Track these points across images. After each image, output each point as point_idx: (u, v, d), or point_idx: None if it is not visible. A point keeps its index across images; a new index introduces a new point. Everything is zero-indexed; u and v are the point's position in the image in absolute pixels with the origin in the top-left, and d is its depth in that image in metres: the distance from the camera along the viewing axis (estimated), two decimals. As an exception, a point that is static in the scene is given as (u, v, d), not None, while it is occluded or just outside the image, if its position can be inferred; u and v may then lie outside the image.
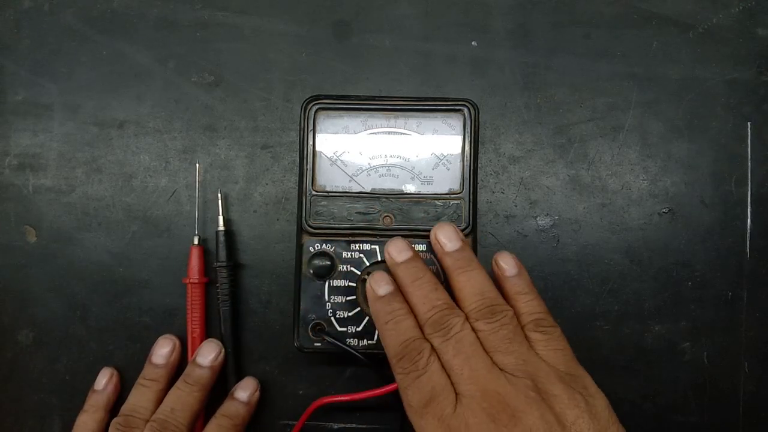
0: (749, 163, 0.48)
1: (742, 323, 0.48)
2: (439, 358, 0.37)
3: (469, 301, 0.39)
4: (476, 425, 0.35)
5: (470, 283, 0.40)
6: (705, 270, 0.48)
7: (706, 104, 0.49)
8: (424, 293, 0.39)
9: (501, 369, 0.37)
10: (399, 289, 0.41)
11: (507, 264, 0.41)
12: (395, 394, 0.43)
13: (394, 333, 0.38)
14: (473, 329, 0.38)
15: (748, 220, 0.48)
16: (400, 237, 0.42)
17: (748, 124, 0.49)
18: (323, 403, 0.44)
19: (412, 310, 0.40)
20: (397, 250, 0.41)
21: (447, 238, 0.41)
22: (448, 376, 0.37)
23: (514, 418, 0.35)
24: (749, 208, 0.48)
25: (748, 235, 0.48)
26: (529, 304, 0.40)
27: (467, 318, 0.38)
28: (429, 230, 0.43)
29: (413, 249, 0.42)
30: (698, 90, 0.49)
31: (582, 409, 0.35)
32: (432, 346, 0.38)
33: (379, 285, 0.40)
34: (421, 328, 0.39)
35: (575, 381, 0.37)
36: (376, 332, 0.43)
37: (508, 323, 0.38)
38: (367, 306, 0.44)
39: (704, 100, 0.49)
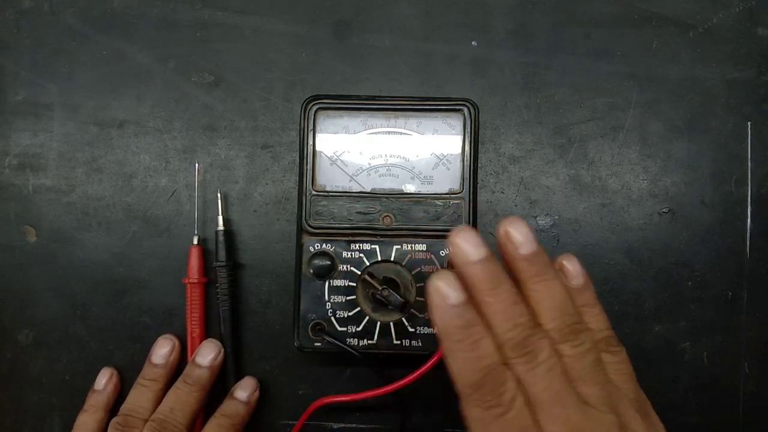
0: (749, 163, 0.48)
1: (742, 323, 0.48)
2: (522, 393, 0.31)
3: (549, 317, 0.33)
4: None
5: (550, 295, 0.33)
6: (705, 270, 0.48)
7: (706, 104, 0.49)
8: (505, 306, 0.32)
9: (586, 402, 0.32)
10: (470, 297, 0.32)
11: (575, 270, 0.35)
12: (395, 394, 0.43)
13: (472, 356, 0.31)
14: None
15: (748, 220, 0.48)
16: (469, 227, 0.33)
17: (748, 124, 0.49)
18: (323, 403, 0.44)
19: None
20: (472, 245, 0.32)
21: (523, 236, 0.33)
22: (532, 411, 0.31)
23: None
24: (749, 208, 0.48)
25: (748, 235, 0.48)
26: (597, 319, 0.35)
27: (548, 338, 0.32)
28: (429, 230, 0.44)
29: (486, 245, 0.33)
30: (698, 90, 0.49)
31: None
32: (514, 375, 0.31)
33: (450, 288, 0.31)
34: (498, 346, 0.32)
35: (642, 408, 0.34)
36: (376, 332, 0.43)
37: (591, 348, 0.33)
38: (367, 306, 0.44)
39: (704, 100, 0.49)
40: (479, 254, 0.32)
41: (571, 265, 0.35)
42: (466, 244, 0.32)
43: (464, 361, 0.31)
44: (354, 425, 0.48)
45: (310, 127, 0.45)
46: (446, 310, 0.31)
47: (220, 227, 0.47)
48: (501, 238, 0.34)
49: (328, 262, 0.44)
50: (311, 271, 0.44)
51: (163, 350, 0.46)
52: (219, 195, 0.48)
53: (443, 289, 0.31)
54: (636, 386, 0.34)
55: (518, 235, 0.33)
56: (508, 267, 0.34)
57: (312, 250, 0.44)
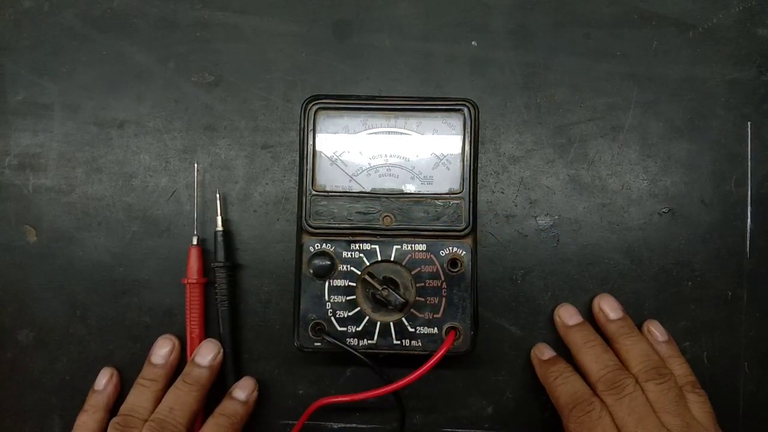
0: (749, 163, 0.48)
1: (742, 323, 0.48)
2: (609, 414, 0.40)
3: (636, 361, 0.43)
4: None
5: (636, 346, 0.43)
6: (705, 270, 0.48)
7: (706, 104, 0.49)
8: (597, 353, 0.43)
9: (667, 429, 0.40)
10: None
11: (659, 331, 0.46)
12: (395, 394, 0.43)
13: (566, 386, 0.42)
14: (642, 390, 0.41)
15: (748, 220, 0.48)
16: (568, 303, 0.47)
17: (748, 124, 0.49)
18: (323, 404, 0.43)
19: (581, 370, 0.44)
20: (569, 315, 0.46)
21: (611, 308, 0.46)
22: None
23: None
24: (749, 208, 0.48)
25: (748, 235, 0.48)
26: (682, 366, 0.44)
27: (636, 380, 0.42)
28: (429, 230, 0.44)
29: (581, 316, 0.46)
30: (698, 90, 0.49)
31: None
32: (602, 402, 0.41)
33: (542, 352, 0.46)
34: (591, 386, 0.42)
35: None
36: (376, 332, 0.43)
37: (674, 386, 0.42)
38: (367, 306, 0.44)
39: (704, 100, 0.49)
40: (574, 321, 0.46)
41: (655, 328, 0.46)
42: (564, 315, 0.46)
43: (561, 391, 0.42)
44: (354, 425, 0.48)
45: (310, 127, 0.44)
46: (541, 363, 0.45)
47: (219, 228, 0.47)
48: (595, 310, 0.46)
49: (328, 262, 0.44)
50: (311, 271, 0.44)
51: (162, 350, 0.46)
52: (218, 196, 0.48)
53: (537, 352, 0.46)
54: (716, 425, 0.41)
55: (607, 307, 0.46)
56: (602, 331, 0.46)
57: (312, 250, 0.44)
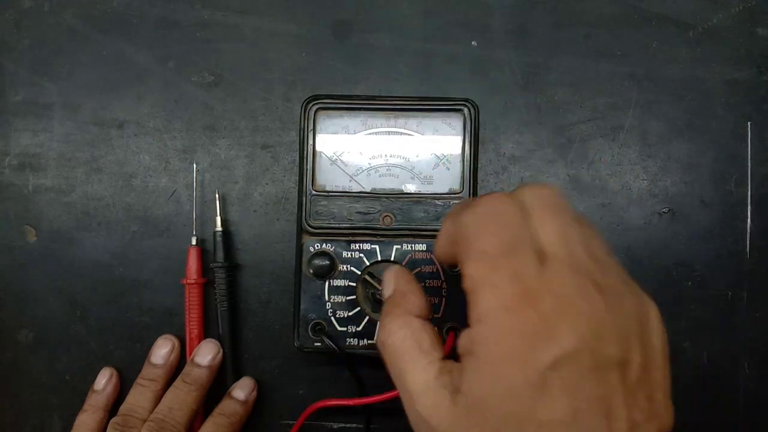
0: (749, 163, 0.48)
1: (742, 323, 0.48)
2: None
3: None
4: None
5: None
6: (705, 270, 0.48)
7: (706, 104, 0.49)
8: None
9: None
10: None
11: None
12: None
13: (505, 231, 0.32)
14: None
15: (748, 220, 0.48)
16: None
17: (748, 124, 0.49)
18: (321, 406, 0.43)
19: None
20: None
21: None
22: None
23: None
24: (749, 208, 0.48)
25: (748, 235, 0.48)
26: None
27: None
28: (429, 230, 0.44)
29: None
30: (698, 90, 0.49)
31: None
32: None
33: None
34: None
35: None
36: (376, 332, 0.43)
37: None
38: (367, 306, 0.44)
39: (704, 100, 0.49)
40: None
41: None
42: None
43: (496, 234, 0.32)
44: (354, 425, 0.48)
45: (310, 127, 0.44)
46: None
47: (218, 228, 0.47)
48: None
49: (328, 262, 0.44)
50: (311, 271, 0.44)
51: (162, 350, 0.46)
52: (217, 196, 0.48)
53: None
54: None
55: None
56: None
57: (312, 250, 0.44)
